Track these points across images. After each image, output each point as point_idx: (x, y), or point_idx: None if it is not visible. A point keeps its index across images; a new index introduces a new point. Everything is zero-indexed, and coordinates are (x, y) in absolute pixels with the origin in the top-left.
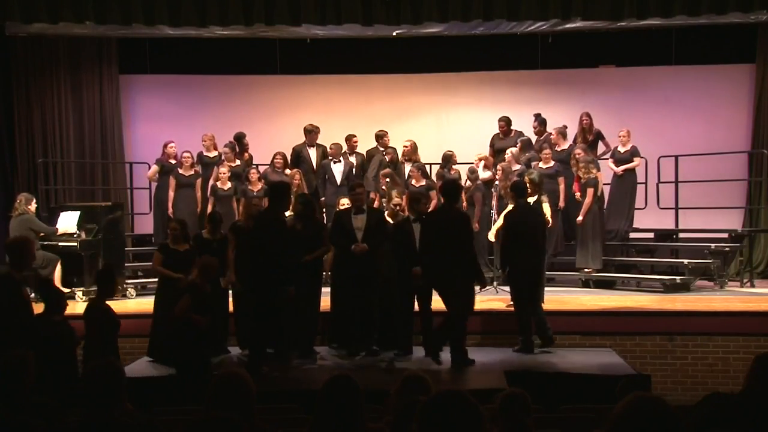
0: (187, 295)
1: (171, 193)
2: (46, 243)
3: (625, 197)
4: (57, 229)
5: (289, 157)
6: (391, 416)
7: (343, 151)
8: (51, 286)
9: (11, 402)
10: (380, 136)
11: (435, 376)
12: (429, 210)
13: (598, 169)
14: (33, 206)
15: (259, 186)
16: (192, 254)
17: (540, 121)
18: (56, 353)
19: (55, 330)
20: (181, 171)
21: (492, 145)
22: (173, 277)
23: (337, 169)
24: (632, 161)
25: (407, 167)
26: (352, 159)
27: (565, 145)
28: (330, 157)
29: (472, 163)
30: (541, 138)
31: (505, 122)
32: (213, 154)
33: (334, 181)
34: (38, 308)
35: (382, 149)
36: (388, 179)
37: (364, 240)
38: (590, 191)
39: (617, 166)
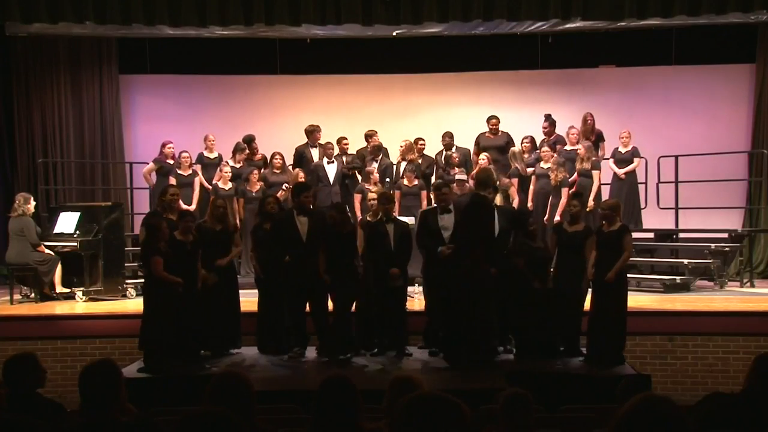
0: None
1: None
2: (47, 243)
3: (629, 198)
4: (42, 245)
5: (292, 158)
6: (387, 419)
7: (336, 154)
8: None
9: (18, 401)
10: (369, 136)
11: (435, 377)
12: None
13: (598, 169)
14: (32, 205)
15: (258, 187)
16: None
17: (550, 122)
18: None
19: None
20: (180, 171)
21: (477, 144)
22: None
23: (331, 170)
24: (633, 162)
25: (402, 167)
26: (345, 160)
27: (578, 146)
28: (324, 158)
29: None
30: (550, 139)
31: (497, 120)
32: (213, 155)
33: (327, 182)
34: None
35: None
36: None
37: (452, 241)
38: (565, 191)
39: (618, 167)
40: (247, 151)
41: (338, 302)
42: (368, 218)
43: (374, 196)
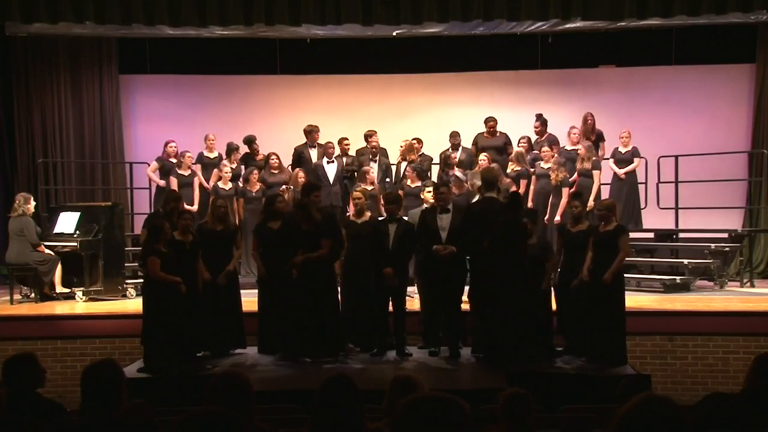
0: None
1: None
2: (47, 243)
3: (629, 198)
4: (42, 245)
5: (291, 158)
6: (387, 419)
7: (336, 154)
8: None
9: (18, 401)
10: (368, 136)
11: (435, 377)
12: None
13: (599, 169)
14: (32, 205)
15: (258, 187)
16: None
17: (542, 122)
18: None
19: None
20: (180, 171)
21: (475, 144)
22: None
23: (331, 170)
24: (633, 162)
25: (403, 167)
26: (345, 161)
27: (578, 145)
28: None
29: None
30: (542, 138)
31: (494, 122)
32: (213, 155)
33: (327, 182)
34: None
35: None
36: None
37: (448, 241)
38: (565, 191)
39: (618, 167)
40: (245, 151)
41: (317, 303)
42: (351, 217)
43: (359, 194)
